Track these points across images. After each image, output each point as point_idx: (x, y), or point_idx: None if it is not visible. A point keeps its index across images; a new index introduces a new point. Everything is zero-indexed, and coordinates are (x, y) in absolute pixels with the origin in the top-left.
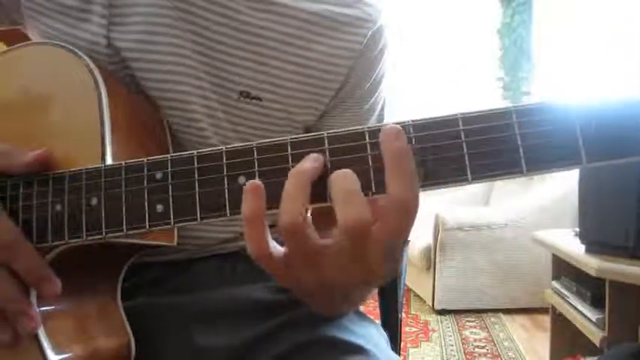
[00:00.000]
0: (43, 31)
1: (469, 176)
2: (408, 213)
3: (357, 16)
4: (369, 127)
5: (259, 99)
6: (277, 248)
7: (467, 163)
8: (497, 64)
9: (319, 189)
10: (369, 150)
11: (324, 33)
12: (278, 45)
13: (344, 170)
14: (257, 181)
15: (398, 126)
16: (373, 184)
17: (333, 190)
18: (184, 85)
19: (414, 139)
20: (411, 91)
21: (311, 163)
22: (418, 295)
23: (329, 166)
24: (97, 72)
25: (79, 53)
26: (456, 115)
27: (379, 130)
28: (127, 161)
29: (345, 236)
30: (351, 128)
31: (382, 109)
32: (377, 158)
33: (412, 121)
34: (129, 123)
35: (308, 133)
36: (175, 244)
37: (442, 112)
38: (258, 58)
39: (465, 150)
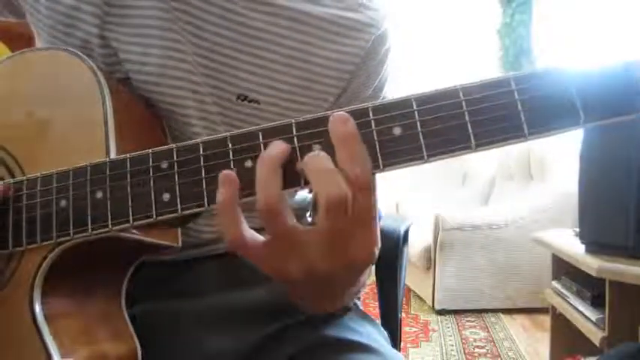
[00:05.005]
0: (41, 28)
1: (473, 143)
2: (365, 191)
3: (360, 20)
4: (333, 112)
5: (257, 102)
6: (255, 236)
7: (470, 131)
8: (497, 64)
9: (292, 174)
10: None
11: (327, 37)
12: (278, 48)
13: (316, 152)
14: (228, 171)
15: (345, 113)
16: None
17: (308, 170)
18: (180, 90)
19: (417, 113)
20: (410, 91)
21: (277, 148)
22: (418, 295)
23: (298, 151)
24: (100, 74)
25: (83, 56)
26: (457, 86)
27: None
28: (132, 154)
29: (326, 214)
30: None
31: None
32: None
33: (414, 95)
34: (131, 124)
35: None
36: (179, 244)
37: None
38: (258, 61)
39: (467, 118)
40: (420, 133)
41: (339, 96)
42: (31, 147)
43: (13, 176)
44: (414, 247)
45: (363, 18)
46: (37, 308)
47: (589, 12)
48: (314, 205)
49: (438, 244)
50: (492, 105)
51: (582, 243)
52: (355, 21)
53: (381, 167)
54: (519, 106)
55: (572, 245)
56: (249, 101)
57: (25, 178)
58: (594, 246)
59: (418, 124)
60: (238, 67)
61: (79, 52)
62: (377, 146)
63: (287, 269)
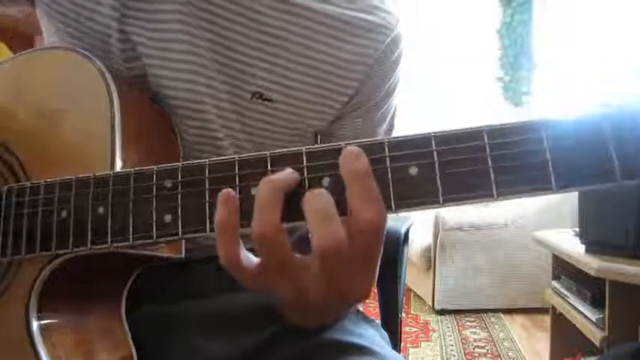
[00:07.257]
0: (60, 21)
1: (494, 192)
2: (375, 232)
3: (376, 22)
4: (346, 143)
5: (271, 100)
6: (249, 257)
7: (492, 178)
8: (497, 64)
9: (297, 208)
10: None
11: (343, 38)
12: (294, 47)
13: (318, 190)
14: (229, 190)
15: (357, 148)
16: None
17: (307, 209)
18: (197, 85)
19: (436, 153)
20: (410, 91)
21: (284, 173)
22: (418, 295)
23: (307, 183)
24: (108, 75)
25: (92, 57)
26: (482, 127)
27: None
28: (137, 169)
29: (319, 257)
30: (328, 144)
31: (393, 117)
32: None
33: (434, 133)
34: (140, 130)
35: (317, 137)
36: (183, 257)
37: (462, 124)
38: (274, 59)
39: (490, 164)
40: (438, 176)
41: (351, 98)
42: (35, 148)
43: (16, 178)
44: (414, 247)
45: (377, 20)
46: (33, 319)
47: (589, 12)
48: None
49: (438, 244)
50: (519, 151)
51: (582, 243)
52: (370, 22)
53: (394, 208)
54: (548, 155)
55: (572, 245)
56: (264, 99)
57: (28, 184)
58: (594, 246)
59: (436, 165)
60: (254, 65)
61: (87, 53)
62: (390, 186)
63: (278, 292)
